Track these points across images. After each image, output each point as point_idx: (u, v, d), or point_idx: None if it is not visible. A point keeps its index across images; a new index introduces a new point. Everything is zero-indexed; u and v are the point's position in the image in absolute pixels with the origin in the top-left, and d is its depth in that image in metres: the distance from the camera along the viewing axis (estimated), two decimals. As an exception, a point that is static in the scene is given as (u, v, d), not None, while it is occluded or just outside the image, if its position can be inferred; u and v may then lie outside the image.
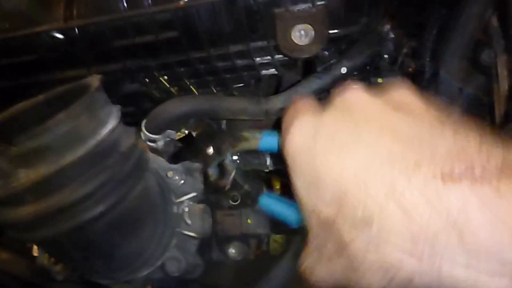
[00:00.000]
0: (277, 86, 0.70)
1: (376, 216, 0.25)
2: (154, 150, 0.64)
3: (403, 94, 0.32)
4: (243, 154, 0.61)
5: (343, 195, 0.27)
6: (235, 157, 0.60)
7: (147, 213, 0.55)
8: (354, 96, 0.32)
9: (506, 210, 0.22)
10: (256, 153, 0.65)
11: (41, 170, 0.43)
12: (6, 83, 0.60)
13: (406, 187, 0.24)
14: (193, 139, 0.57)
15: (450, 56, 0.71)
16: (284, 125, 0.35)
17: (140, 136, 0.61)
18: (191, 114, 0.57)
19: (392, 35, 0.59)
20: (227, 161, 0.54)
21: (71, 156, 0.44)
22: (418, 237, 0.23)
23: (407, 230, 0.24)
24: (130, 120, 0.63)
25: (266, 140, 0.52)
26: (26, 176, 0.43)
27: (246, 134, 0.53)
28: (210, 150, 0.53)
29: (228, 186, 0.54)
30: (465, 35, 0.68)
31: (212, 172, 0.55)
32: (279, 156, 0.66)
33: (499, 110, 0.57)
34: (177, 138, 0.59)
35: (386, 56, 0.60)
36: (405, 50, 0.67)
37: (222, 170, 0.55)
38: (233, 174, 0.54)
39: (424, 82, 0.71)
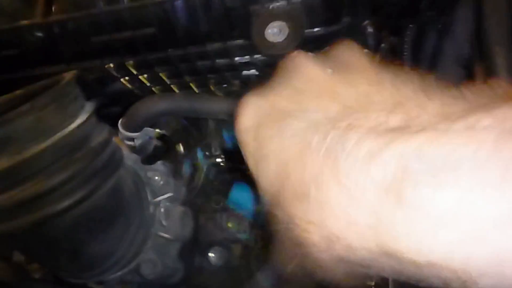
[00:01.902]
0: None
1: (313, 187, 0.23)
2: (133, 150, 0.63)
3: (344, 53, 0.31)
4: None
5: (283, 168, 0.26)
6: (207, 153, 0.59)
7: (118, 211, 0.54)
8: (295, 62, 0.31)
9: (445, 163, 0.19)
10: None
11: (3, 162, 0.43)
12: (-15, 79, 0.60)
13: (340, 153, 0.22)
14: (166, 138, 0.56)
15: (444, 61, 0.70)
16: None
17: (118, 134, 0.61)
18: (168, 112, 0.57)
19: (371, 30, 0.57)
20: (198, 157, 0.53)
21: (35, 148, 0.44)
22: (354, 208, 0.21)
23: (344, 199, 0.22)
24: (116, 120, 0.63)
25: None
26: (-13, 167, 0.42)
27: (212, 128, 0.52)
28: (180, 147, 0.52)
29: (200, 183, 0.52)
30: (458, 40, 0.66)
31: (185, 170, 0.53)
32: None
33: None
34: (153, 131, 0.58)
35: (366, 51, 0.59)
36: (384, 45, 0.65)
37: (195, 167, 0.54)
38: (204, 170, 0.52)
39: None
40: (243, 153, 0.32)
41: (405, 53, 0.74)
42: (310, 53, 0.32)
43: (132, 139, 0.59)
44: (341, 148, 0.22)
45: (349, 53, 0.31)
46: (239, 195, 0.51)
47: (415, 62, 0.71)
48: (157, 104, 0.56)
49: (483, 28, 0.53)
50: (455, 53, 0.70)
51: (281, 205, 0.26)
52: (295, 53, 0.32)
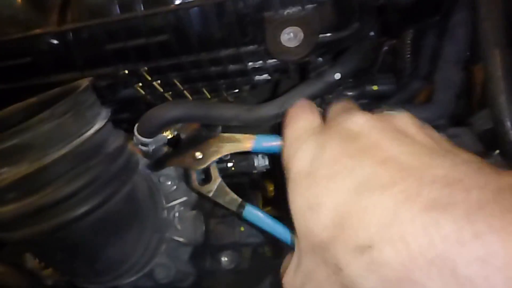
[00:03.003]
0: (273, 93, 0.70)
1: (375, 242, 0.25)
2: (147, 155, 0.64)
3: (405, 122, 0.33)
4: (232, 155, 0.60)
5: (342, 220, 0.28)
6: (222, 164, 0.60)
7: (133, 216, 0.54)
8: (358, 122, 0.33)
9: (497, 246, 0.22)
10: (244, 155, 0.64)
11: (23, 168, 0.43)
12: (1, 87, 0.60)
13: (405, 216, 0.25)
14: (180, 142, 0.56)
15: (444, 63, 0.71)
16: (286, 134, 0.37)
17: (132, 140, 0.61)
18: (183, 119, 0.57)
19: (372, 34, 0.58)
20: (213, 166, 0.53)
21: (54, 154, 0.44)
22: (415, 267, 0.24)
23: (405, 257, 0.24)
24: (127, 126, 0.63)
25: (261, 140, 0.51)
26: (8, 173, 0.43)
27: (237, 135, 0.52)
28: (198, 154, 0.52)
29: (212, 193, 0.53)
30: (456, 42, 0.67)
31: (196, 178, 0.54)
32: (272, 158, 0.66)
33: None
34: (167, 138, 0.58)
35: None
36: (385, 48, 0.66)
37: (207, 176, 0.54)
38: (218, 181, 0.53)
39: (405, 79, 0.70)
40: (288, 192, 0.34)
41: (407, 56, 0.75)
42: (368, 112, 0.34)
43: (146, 145, 0.59)
44: (407, 213, 0.25)
45: (409, 122, 0.33)
46: (254, 214, 0.52)
47: (415, 64, 0.73)
48: (172, 110, 0.56)
49: (480, 30, 0.54)
50: (455, 55, 0.71)
51: (334, 251, 0.28)
52: (353, 107, 0.36)
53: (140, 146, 0.60)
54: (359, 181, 0.28)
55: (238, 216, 0.53)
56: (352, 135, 0.32)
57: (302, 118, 0.38)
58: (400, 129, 0.32)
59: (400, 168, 0.27)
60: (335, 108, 0.39)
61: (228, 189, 0.53)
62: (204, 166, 0.53)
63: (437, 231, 0.23)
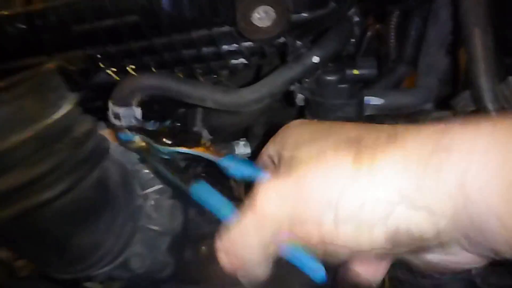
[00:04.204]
0: (254, 80, 0.68)
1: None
2: (122, 143, 0.62)
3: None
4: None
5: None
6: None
7: (103, 203, 0.53)
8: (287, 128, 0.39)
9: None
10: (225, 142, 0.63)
11: (-17, 152, 0.41)
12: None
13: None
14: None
15: (429, 47, 0.69)
16: None
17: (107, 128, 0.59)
18: (156, 88, 0.55)
19: (357, 19, 0.57)
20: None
21: (15, 138, 0.43)
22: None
23: None
24: (102, 115, 0.61)
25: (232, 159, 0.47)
26: (-34, 157, 0.41)
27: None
28: (167, 140, 0.50)
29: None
30: (440, 25, 0.66)
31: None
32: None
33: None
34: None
35: (352, 40, 0.58)
36: (370, 33, 0.65)
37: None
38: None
39: (390, 64, 0.68)
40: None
41: (391, 40, 0.74)
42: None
43: (118, 117, 0.57)
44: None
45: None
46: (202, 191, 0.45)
47: (400, 48, 0.71)
48: (146, 80, 0.55)
49: (460, 10, 0.53)
50: (439, 39, 0.70)
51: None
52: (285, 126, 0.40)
53: (113, 120, 0.57)
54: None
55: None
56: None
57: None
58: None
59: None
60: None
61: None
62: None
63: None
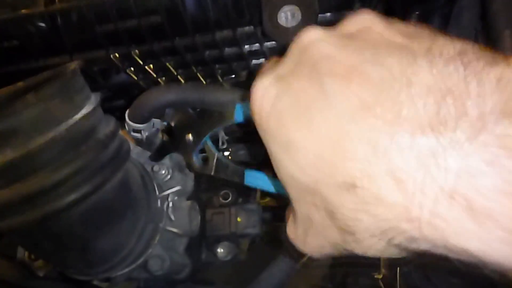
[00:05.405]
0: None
1: (358, 180, 0.22)
2: (140, 143, 0.62)
3: (360, 23, 0.27)
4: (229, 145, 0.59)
5: (319, 159, 0.24)
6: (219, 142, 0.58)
7: (126, 205, 0.52)
8: (307, 40, 0.27)
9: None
10: (241, 144, 0.62)
11: (8, 154, 0.41)
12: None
13: (389, 146, 0.21)
14: (172, 130, 0.54)
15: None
16: (251, 91, 0.31)
17: (125, 127, 0.59)
18: (177, 103, 0.55)
19: None
20: (207, 145, 0.51)
21: (40, 140, 0.42)
22: (412, 205, 0.20)
23: (398, 197, 0.21)
24: (120, 114, 0.61)
25: (241, 111, 0.49)
26: (-8, 160, 0.41)
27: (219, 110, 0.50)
28: (189, 137, 0.50)
29: (213, 171, 0.51)
30: (463, 27, 0.65)
31: (195, 160, 0.52)
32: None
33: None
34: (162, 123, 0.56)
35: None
36: None
37: (205, 157, 0.52)
38: (215, 157, 0.51)
39: None
40: (262, 138, 0.30)
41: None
42: (323, 28, 0.28)
43: (139, 131, 0.57)
44: (390, 142, 0.21)
45: (364, 21, 0.27)
46: (255, 177, 0.50)
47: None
48: (164, 95, 0.54)
49: (490, 11, 0.52)
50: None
51: (321, 194, 0.25)
52: (307, 28, 0.28)
53: (132, 133, 0.58)
54: (327, 112, 0.24)
55: (242, 183, 0.51)
56: (305, 59, 0.27)
57: (262, 72, 0.32)
58: (355, 33, 0.27)
59: (367, 85, 0.22)
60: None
61: (226, 160, 0.52)
62: (199, 145, 0.51)
63: (436, 164, 0.19)
